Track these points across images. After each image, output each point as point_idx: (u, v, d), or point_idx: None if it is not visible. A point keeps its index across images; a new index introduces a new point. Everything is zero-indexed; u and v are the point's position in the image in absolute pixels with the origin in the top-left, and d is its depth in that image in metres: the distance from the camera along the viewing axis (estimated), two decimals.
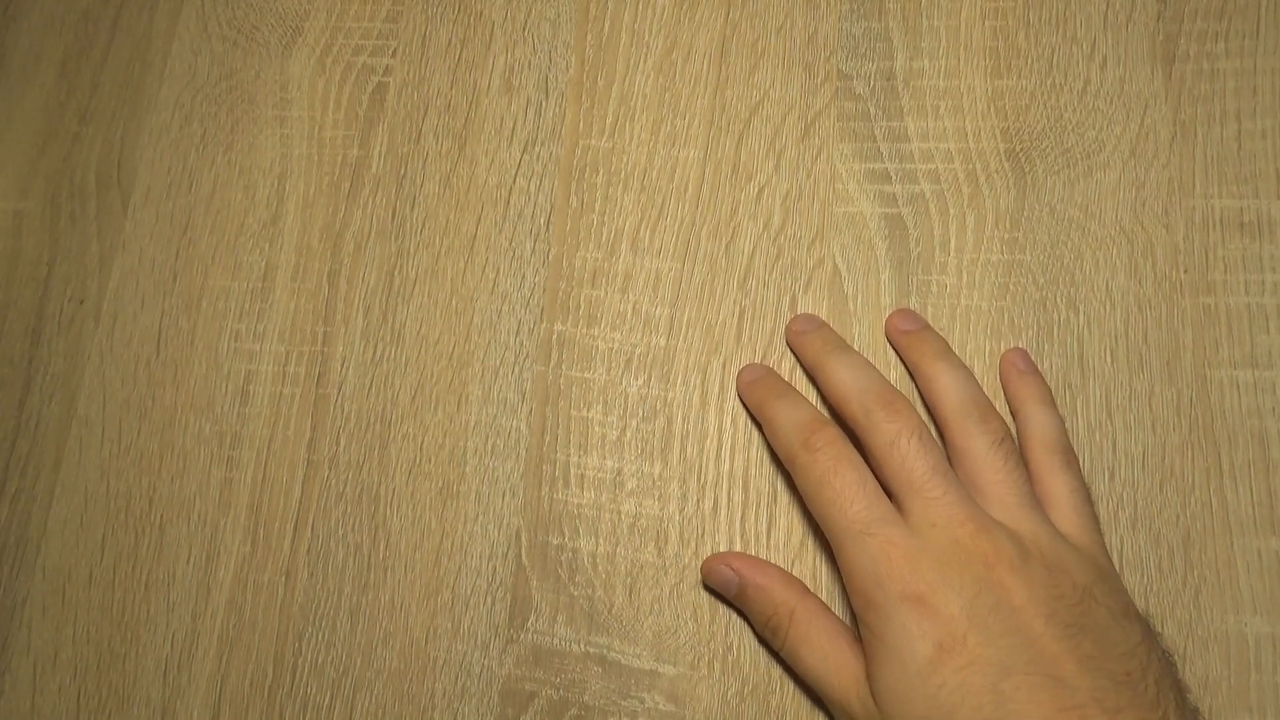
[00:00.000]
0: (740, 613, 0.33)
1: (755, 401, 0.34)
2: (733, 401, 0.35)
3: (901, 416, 0.31)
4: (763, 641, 0.32)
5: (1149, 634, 0.28)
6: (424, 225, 0.38)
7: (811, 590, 0.32)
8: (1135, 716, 0.26)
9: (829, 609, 0.32)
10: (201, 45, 0.42)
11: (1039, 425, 0.33)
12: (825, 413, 0.34)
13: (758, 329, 0.36)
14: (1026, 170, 0.36)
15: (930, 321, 0.35)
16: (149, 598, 0.35)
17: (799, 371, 0.35)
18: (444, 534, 0.35)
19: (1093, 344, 0.34)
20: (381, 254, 0.38)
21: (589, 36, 0.40)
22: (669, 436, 0.35)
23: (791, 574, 0.32)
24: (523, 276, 0.37)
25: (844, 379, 0.33)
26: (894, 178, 0.37)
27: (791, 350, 0.35)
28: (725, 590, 0.33)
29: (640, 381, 0.36)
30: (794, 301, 0.36)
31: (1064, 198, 0.36)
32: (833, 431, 0.32)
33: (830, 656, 0.30)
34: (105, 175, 0.41)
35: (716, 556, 0.33)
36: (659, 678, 0.33)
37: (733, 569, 0.32)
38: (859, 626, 0.29)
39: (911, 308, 0.35)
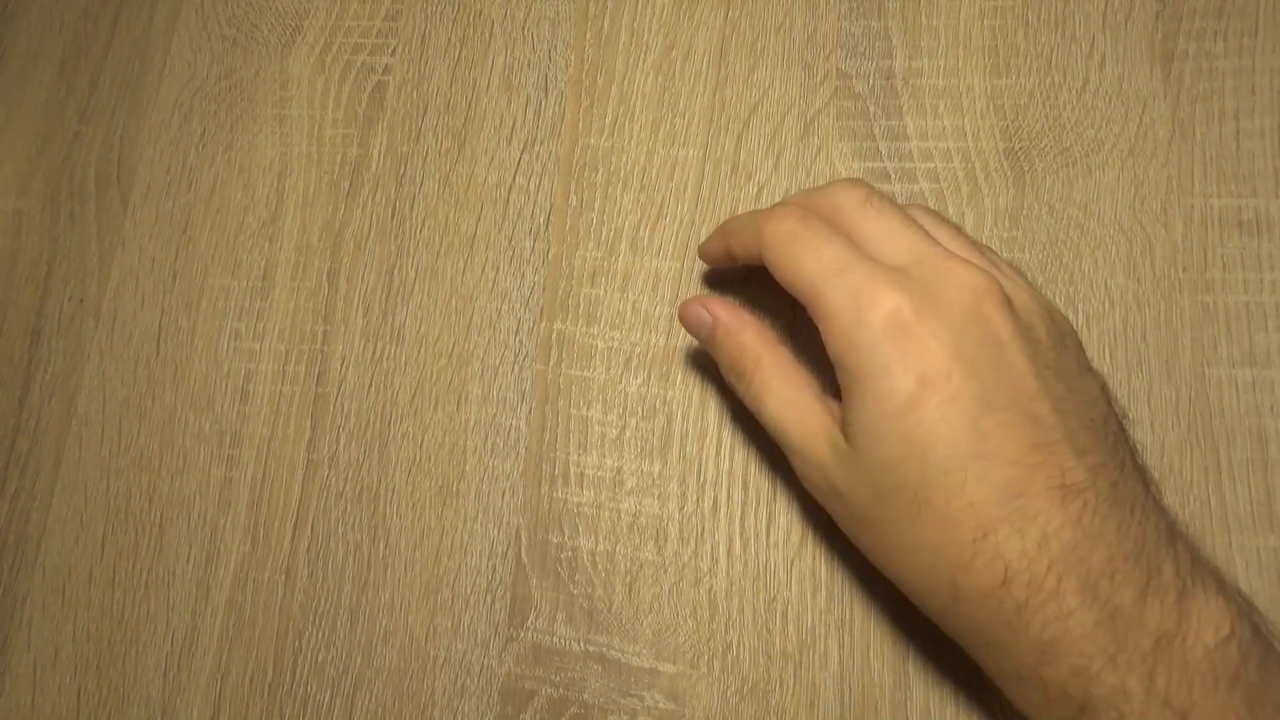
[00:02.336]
0: (738, 615, 0.33)
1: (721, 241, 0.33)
2: (732, 401, 0.35)
3: (844, 191, 0.30)
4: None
5: (1106, 389, 0.29)
6: (423, 224, 0.38)
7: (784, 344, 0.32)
8: (1099, 459, 0.26)
9: (797, 362, 0.31)
10: (201, 44, 0.42)
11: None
12: None
13: None
14: (1025, 169, 0.36)
15: None
16: (149, 596, 0.35)
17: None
18: (444, 532, 0.35)
19: (1091, 342, 0.34)
20: (381, 253, 0.38)
21: (588, 35, 0.40)
22: (668, 435, 0.35)
23: (766, 328, 0.32)
24: (522, 275, 0.37)
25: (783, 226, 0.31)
26: (893, 176, 0.37)
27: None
28: (698, 331, 0.33)
29: (640, 380, 0.36)
30: (794, 301, 0.36)
31: (1063, 196, 0.36)
32: (795, 205, 0.31)
33: (792, 404, 0.30)
34: (105, 174, 0.41)
35: (694, 299, 0.33)
36: (659, 676, 0.33)
37: (708, 310, 0.32)
38: (838, 373, 0.28)
39: None
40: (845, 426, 0.28)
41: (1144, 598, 0.25)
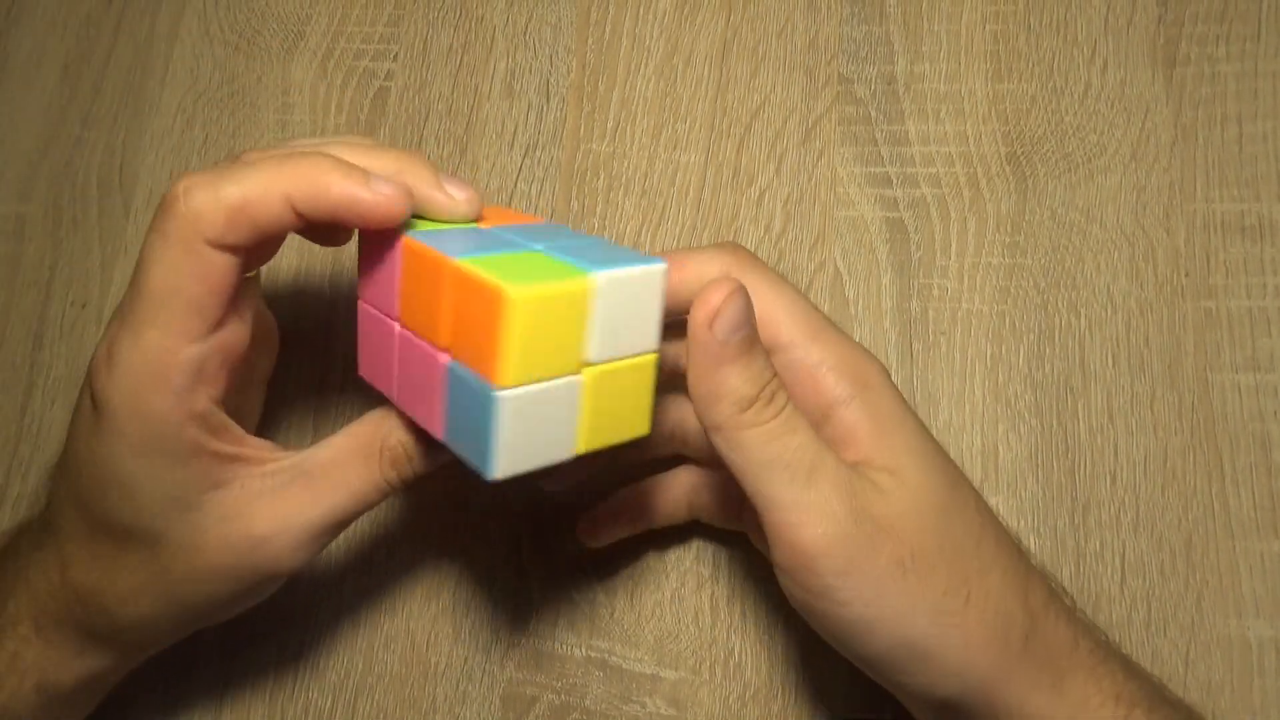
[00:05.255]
0: (740, 620, 0.33)
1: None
2: None
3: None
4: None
5: None
6: None
7: None
8: None
9: None
10: (203, 49, 0.42)
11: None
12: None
13: None
14: (1027, 174, 0.36)
15: (931, 325, 0.35)
16: None
17: None
18: (445, 537, 0.35)
19: (1094, 348, 0.34)
20: None
21: (590, 41, 0.40)
22: None
23: None
24: None
25: None
26: (895, 181, 0.37)
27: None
28: (737, 329, 0.24)
29: None
30: None
31: (1065, 201, 0.36)
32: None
33: (809, 430, 0.26)
34: (107, 179, 0.41)
35: (726, 285, 0.25)
36: (660, 682, 0.33)
37: (745, 300, 0.25)
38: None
39: (912, 311, 0.35)
40: (880, 458, 0.26)
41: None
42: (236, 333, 0.25)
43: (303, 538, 0.26)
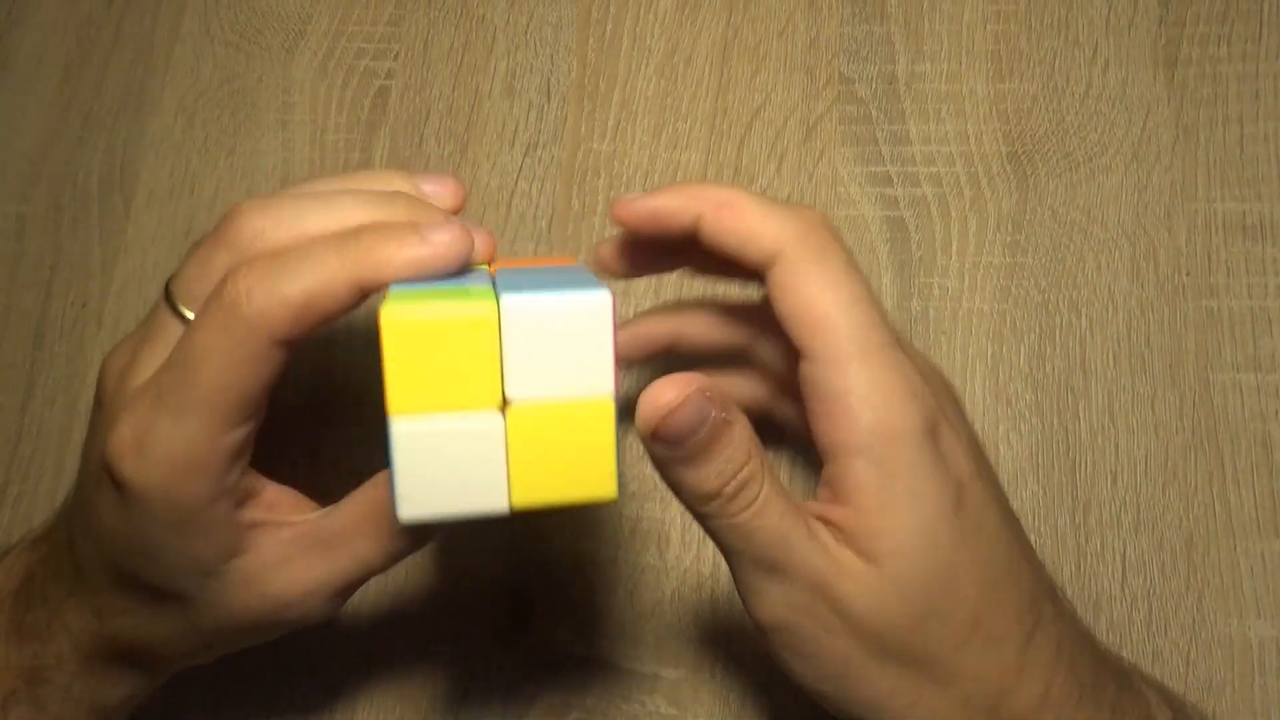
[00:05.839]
0: (740, 620, 0.33)
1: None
2: None
3: None
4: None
5: None
6: None
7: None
8: None
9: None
10: (204, 48, 0.42)
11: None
12: None
13: None
14: (1028, 173, 0.36)
15: (932, 324, 0.35)
16: None
17: None
18: (445, 537, 0.35)
19: (1095, 347, 0.34)
20: None
21: (591, 40, 0.40)
22: None
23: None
24: None
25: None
26: (896, 181, 0.37)
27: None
28: (691, 429, 0.22)
29: (641, 384, 0.36)
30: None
31: (1066, 201, 0.36)
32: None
33: (795, 515, 0.23)
34: (108, 178, 0.41)
35: (671, 380, 0.22)
36: (660, 681, 0.33)
37: (704, 394, 0.22)
38: (853, 469, 0.23)
39: (913, 310, 0.35)
40: (866, 540, 0.23)
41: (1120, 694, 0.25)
42: (265, 405, 0.25)
43: (321, 598, 0.26)
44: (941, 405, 0.24)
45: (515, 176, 0.39)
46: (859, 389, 0.23)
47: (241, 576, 0.25)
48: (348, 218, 0.24)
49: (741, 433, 0.23)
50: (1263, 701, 0.31)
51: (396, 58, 0.41)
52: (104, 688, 0.28)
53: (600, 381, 0.22)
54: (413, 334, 0.21)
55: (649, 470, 0.35)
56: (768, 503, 0.23)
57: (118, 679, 0.28)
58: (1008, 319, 0.35)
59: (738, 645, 0.33)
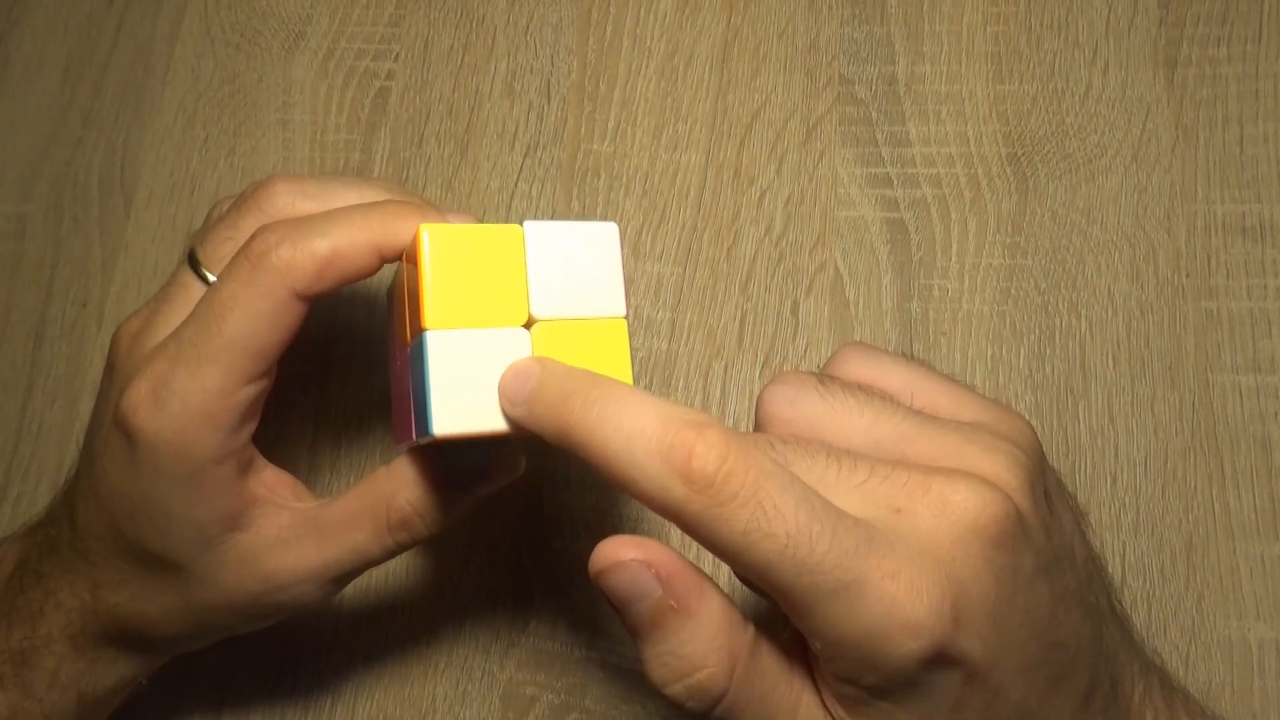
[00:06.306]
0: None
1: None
2: (734, 405, 0.35)
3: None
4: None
5: (1085, 528, 0.25)
6: None
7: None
8: (1119, 666, 0.24)
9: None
10: (205, 49, 0.42)
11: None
12: None
13: (759, 333, 0.36)
14: (1028, 175, 0.36)
15: (932, 326, 0.35)
16: None
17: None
18: (445, 537, 0.35)
19: (1095, 349, 0.34)
20: None
21: (591, 41, 0.40)
22: None
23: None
24: None
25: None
26: (896, 182, 0.37)
27: None
28: (635, 601, 0.20)
29: (641, 385, 0.36)
30: (795, 306, 0.36)
31: (1066, 202, 0.36)
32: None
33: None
34: (108, 178, 0.41)
35: (615, 544, 0.20)
36: None
37: (650, 562, 0.20)
38: (844, 679, 0.20)
39: (913, 312, 0.35)
40: None
41: None
42: (275, 368, 0.26)
43: (314, 585, 0.27)
44: (966, 586, 0.19)
45: (515, 177, 0.39)
46: (834, 637, 0.19)
47: (239, 553, 0.26)
48: (371, 197, 0.26)
49: (703, 630, 0.19)
50: (1262, 703, 0.31)
51: (396, 58, 0.41)
52: (92, 672, 0.28)
53: (614, 303, 0.24)
54: (451, 241, 0.22)
55: None
56: (747, 686, 0.20)
57: (106, 664, 0.28)
58: (1007, 320, 0.35)
59: None
